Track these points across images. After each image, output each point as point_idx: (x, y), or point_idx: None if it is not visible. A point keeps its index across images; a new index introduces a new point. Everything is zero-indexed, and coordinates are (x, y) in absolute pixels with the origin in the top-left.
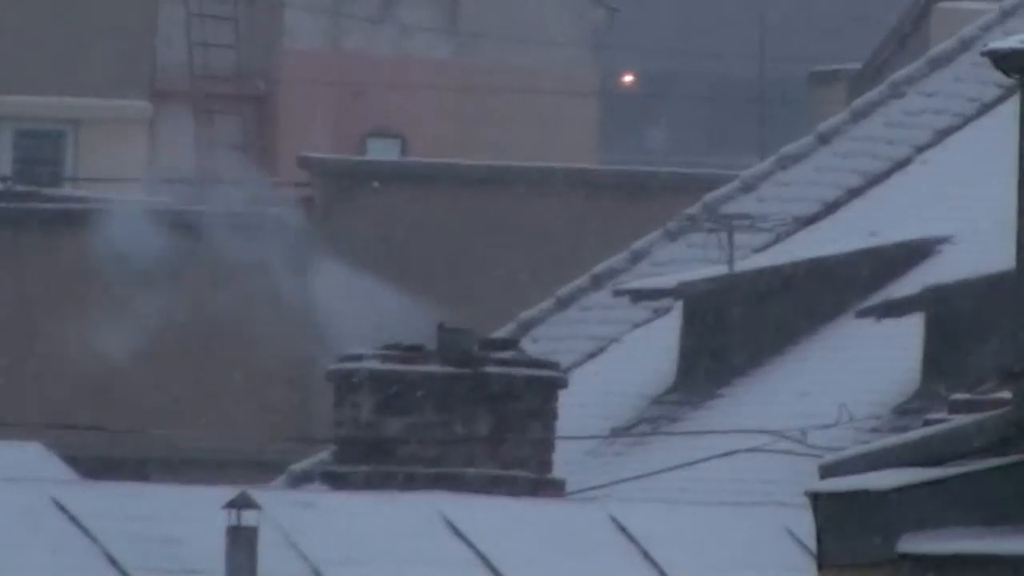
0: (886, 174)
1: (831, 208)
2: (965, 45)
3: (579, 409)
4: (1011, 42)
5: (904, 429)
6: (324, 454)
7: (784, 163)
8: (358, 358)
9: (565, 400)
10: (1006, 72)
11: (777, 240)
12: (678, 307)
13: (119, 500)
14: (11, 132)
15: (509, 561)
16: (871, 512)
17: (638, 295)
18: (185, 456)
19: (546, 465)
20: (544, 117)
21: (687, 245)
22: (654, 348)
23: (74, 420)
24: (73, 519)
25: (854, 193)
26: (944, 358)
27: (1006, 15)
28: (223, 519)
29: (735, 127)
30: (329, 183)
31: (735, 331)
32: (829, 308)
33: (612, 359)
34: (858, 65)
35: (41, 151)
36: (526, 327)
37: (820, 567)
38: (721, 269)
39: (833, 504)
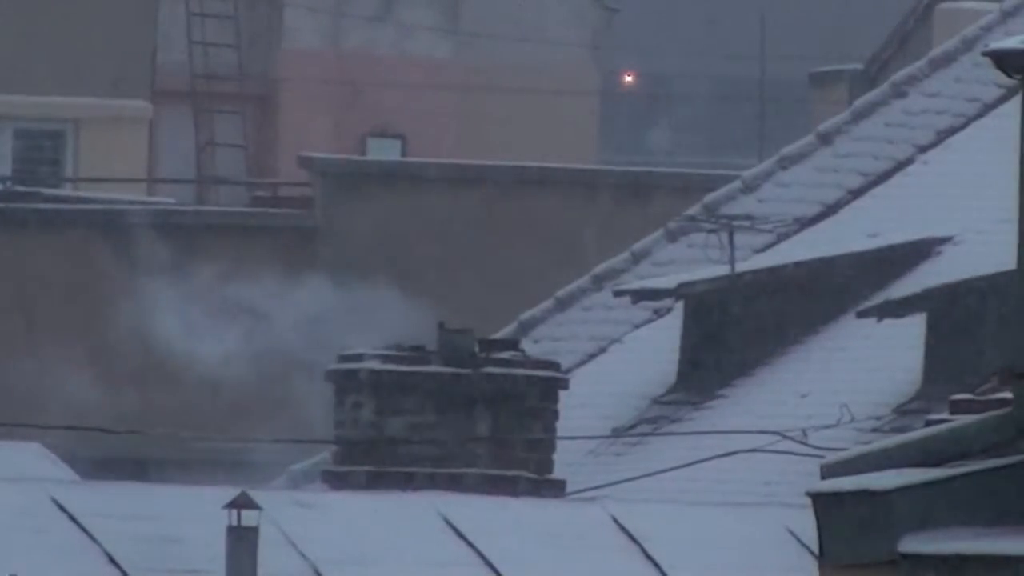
0: (887, 174)
1: (832, 208)
2: (966, 45)
3: (580, 409)
4: (1012, 42)
5: (905, 429)
6: (324, 454)
7: (784, 163)
8: (358, 358)
9: (566, 400)
10: (1007, 72)
11: (778, 241)
12: (679, 307)
13: (119, 500)
14: (11, 132)
15: (509, 561)
16: (872, 512)
17: (639, 295)
18: (185, 456)
19: (546, 465)
20: (544, 117)
21: (688, 245)
22: (655, 348)
23: (75, 420)
24: (73, 519)
25: (855, 193)
26: (945, 358)
27: (1007, 15)
28: (223, 519)
29: (735, 127)
30: (329, 183)
31: (736, 331)
32: (830, 308)
33: (613, 359)
34: (859, 65)
35: (41, 151)
36: (526, 327)
37: (821, 567)
38: (722, 270)
39: (834, 504)
